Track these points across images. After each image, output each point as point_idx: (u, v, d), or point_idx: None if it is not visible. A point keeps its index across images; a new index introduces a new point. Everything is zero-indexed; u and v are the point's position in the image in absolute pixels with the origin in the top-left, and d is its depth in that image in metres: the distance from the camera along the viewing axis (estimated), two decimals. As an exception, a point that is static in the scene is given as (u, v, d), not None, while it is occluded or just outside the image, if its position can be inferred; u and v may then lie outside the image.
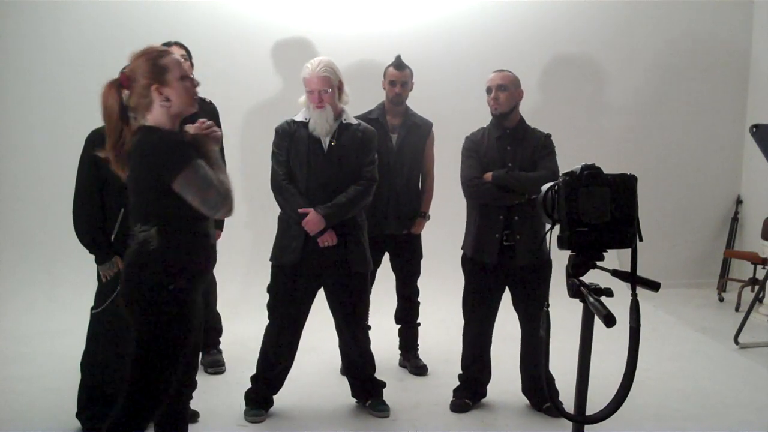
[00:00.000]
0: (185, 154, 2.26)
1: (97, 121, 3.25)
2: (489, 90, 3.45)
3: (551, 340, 2.01)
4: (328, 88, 3.25)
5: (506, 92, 3.41)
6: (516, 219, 3.38)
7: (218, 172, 2.34)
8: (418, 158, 4.11)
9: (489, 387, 3.64)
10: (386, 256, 4.17)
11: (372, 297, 3.59)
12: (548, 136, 3.49)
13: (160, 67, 2.31)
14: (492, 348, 3.61)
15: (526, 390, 3.60)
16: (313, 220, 3.23)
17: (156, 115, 2.32)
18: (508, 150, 3.44)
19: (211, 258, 2.45)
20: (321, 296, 3.44)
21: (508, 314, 3.58)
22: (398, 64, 4.04)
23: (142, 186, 2.29)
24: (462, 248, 3.60)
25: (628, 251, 1.94)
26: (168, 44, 3.93)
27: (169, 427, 2.52)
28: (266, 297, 3.41)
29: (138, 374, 2.30)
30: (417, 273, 4.18)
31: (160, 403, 2.34)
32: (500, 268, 3.43)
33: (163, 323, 2.27)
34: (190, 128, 2.45)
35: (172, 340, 2.29)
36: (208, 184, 2.25)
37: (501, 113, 3.44)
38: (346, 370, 3.66)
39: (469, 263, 3.55)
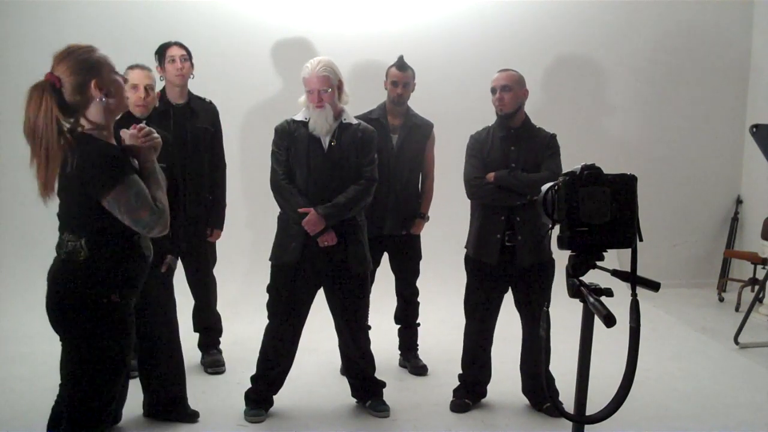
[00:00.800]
0: (118, 170, 2.09)
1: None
2: (493, 90, 3.44)
3: (551, 340, 2.01)
4: (328, 87, 3.25)
5: (510, 92, 3.40)
6: (518, 220, 3.37)
7: (154, 188, 2.18)
8: (419, 159, 4.11)
9: (489, 387, 3.64)
10: (386, 257, 4.17)
11: (372, 297, 3.58)
12: (553, 136, 3.47)
13: (94, 61, 2.15)
14: (492, 348, 3.61)
15: (526, 390, 3.60)
16: (312, 220, 3.23)
17: (94, 115, 2.17)
18: (512, 150, 3.43)
19: (144, 269, 2.31)
20: (321, 296, 3.44)
21: (508, 315, 3.58)
22: (400, 64, 4.03)
23: (71, 197, 2.15)
24: (465, 247, 3.60)
25: (628, 251, 1.94)
26: (168, 44, 3.94)
27: None
28: (266, 297, 3.41)
29: (75, 392, 2.20)
30: (416, 273, 4.17)
31: (104, 422, 2.23)
32: (501, 268, 3.42)
33: (96, 338, 2.15)
34: (125, 134, 2.28)
35: (107, 354, 2.18)
36: (141, 203, 2.10)
37: (506, 114, 3.43)
38: (346, 370, 3.66)
39: (471, 262, 3.54)
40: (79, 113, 2.16)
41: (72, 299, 2.15)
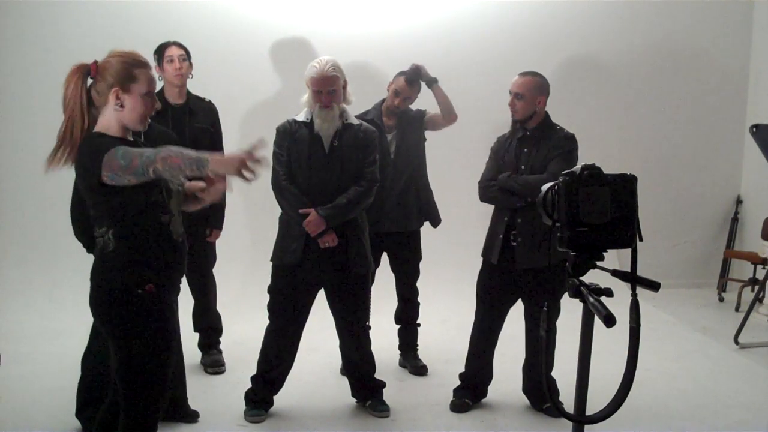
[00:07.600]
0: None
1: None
2: (510, 93, 3.43)
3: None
4: (336, 87, 3.25)
5: (522, 101, 3.38)
6: (519, 222, 3.38)
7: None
8: (419, 152, 4.10)
9: (489, 387, 3.64)
10: (386, 257, 4.16)
11: (372, 297, 3.59)
12: (567, 136, 3.42)
13: (130, 74, 2.25)
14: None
15: (526, 390, 3.60)
16: (313, 221, 3.23)
17: (107, 118, 2.26)
18: (525, 152, 3.43)
19: (179, 255, 2.29)
20: (321, 296, 3.44)
21: (509, 315, 3.58)
22: (411, 79, 3.97)
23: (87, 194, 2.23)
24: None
25: (628, 251, 1.95)
26: (166, 44, 3.94)
27: None
28: (266, 297, 3.41)
29: (128, 391, 2.22)
30: (416, 274, 4.17)
31: (158, 411, 2.26)
32: (504, 268, 3.43)
33: (137, 331, 2.17)
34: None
35: (151, 348, 2.20)
36: (128, 155, 2.11)
37: (517, 120, 3.44)
38: (346, 370, 3.66)
39: (483, 262, 3.57)
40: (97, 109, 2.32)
41: (109, 294, 2.16)
